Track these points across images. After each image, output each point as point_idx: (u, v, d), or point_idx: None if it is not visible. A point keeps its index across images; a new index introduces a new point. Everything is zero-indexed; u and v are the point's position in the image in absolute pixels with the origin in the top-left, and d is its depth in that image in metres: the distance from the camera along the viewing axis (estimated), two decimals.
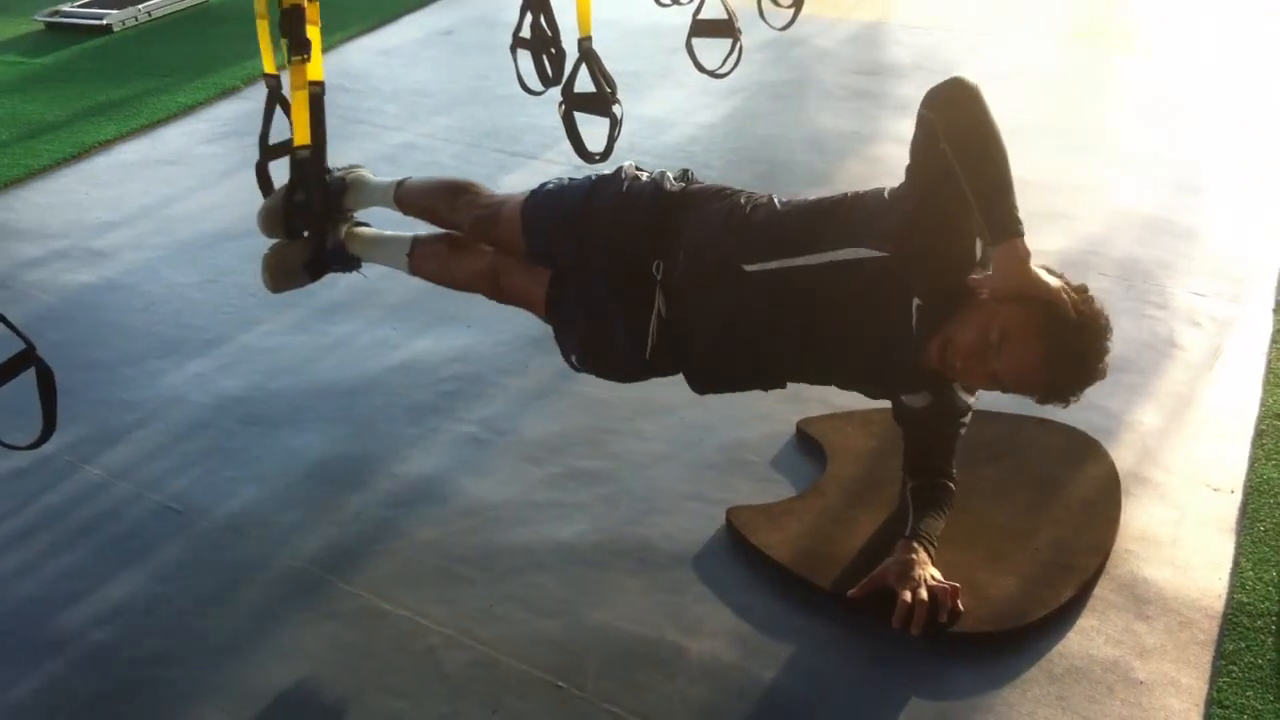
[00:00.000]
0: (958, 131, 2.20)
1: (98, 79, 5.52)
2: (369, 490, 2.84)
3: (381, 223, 3.08)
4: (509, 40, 3.64)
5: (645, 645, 2.39)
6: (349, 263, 3.03)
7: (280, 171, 2.98)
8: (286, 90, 2.88)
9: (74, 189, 4.48)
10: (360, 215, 3.09)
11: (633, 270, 2.50)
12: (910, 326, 2.26)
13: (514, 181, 4.35)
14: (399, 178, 3.03)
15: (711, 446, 2.95)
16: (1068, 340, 2.18)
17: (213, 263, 3.90)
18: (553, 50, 3.69)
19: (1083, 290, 2.26)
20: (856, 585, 2.42)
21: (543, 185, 2.73)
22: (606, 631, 2.42)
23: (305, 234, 2.99)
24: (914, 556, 2.41)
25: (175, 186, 4.48)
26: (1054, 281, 2.21)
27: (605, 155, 3.43)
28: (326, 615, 2.49)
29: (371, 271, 3.08)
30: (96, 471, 2.91)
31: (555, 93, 3.48)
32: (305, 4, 2.73)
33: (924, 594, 2.35)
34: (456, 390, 3.21)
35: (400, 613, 2.48)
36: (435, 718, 2.24)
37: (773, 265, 2.36)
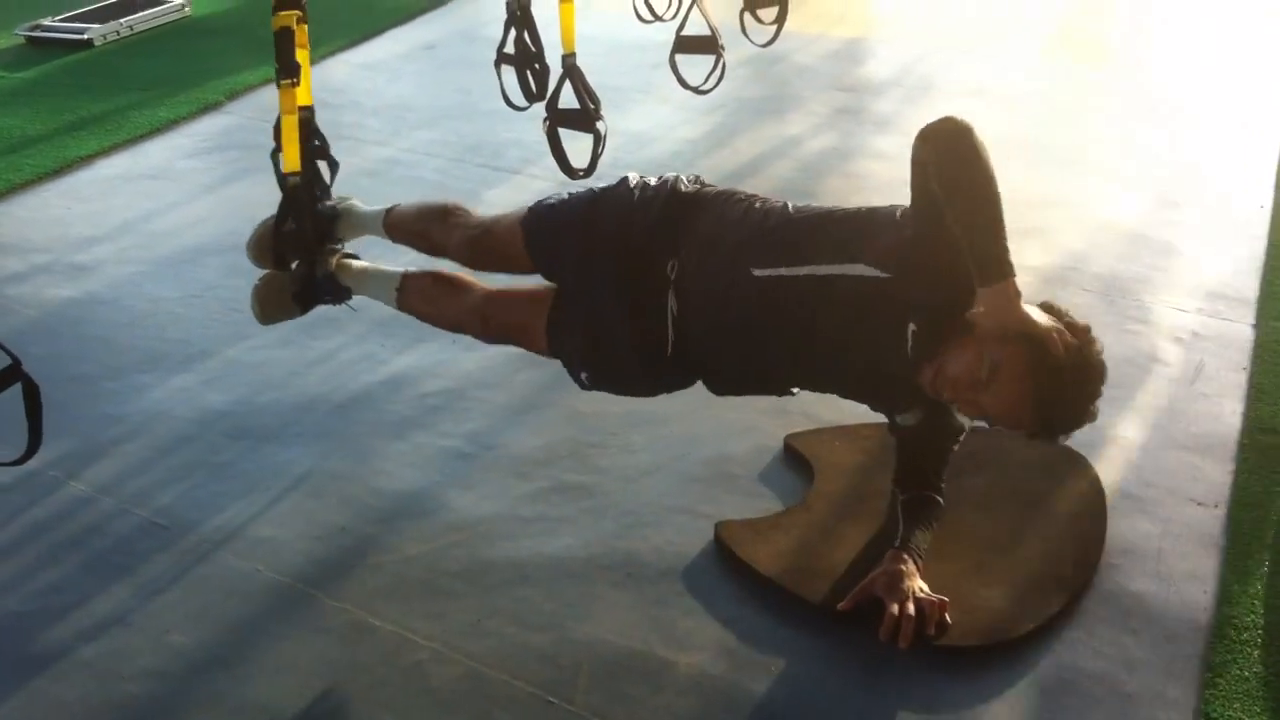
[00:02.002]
0: (947, 173, 2.19)
1: (79, 93, 5.50)
2: (355, 505, 2.84)
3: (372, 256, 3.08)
4: (493, 55, 3.65)
5: (633, 659, 2.39)
6: (339, 294, 2.95)
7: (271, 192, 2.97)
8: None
9: (56, 204, 4.46)
10: (350, 246, 3.06)
11: (646, 271, 2.50)
12: (905, 350, 2.27)
13: (497, 196, 4.36)
14: (388, 205, 3.02)
15: (698, 460, 2.96)
16: (1054, 383, 2.19)
17: (196, 277, 3.88)
18: (537, 66, 3.70)
19: (1084, 332, 2.27)
20: (845, 598, 2.43)
21: (541, 201, 2.73)
22: (595, 645, 2.42)
23: (295, 264, 2.90)
24: (903, 568, 2.42)
25: (158, 201, 4.47)
26: (1046, 321, 2.21)
27: (589, 171, 3.44)
28: (314, 630, 2.48)
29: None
30: (82, 487, 2.90)
31: (539, 108, 3.50)
32: (294, 27, 2.70)
33: (911, 607, 2.36)
34: (442, 405, 3.21)
35: (388, 628, 2.48)
36: None
37: (780, 271, 2.36)
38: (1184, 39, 5.98)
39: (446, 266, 2.93)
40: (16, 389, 1.93)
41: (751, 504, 2.80)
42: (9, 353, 1.91)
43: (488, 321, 2.75)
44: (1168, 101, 5.20)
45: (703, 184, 2.64)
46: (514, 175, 4.59)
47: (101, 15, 6.35)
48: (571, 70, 3.39)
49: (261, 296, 2.93)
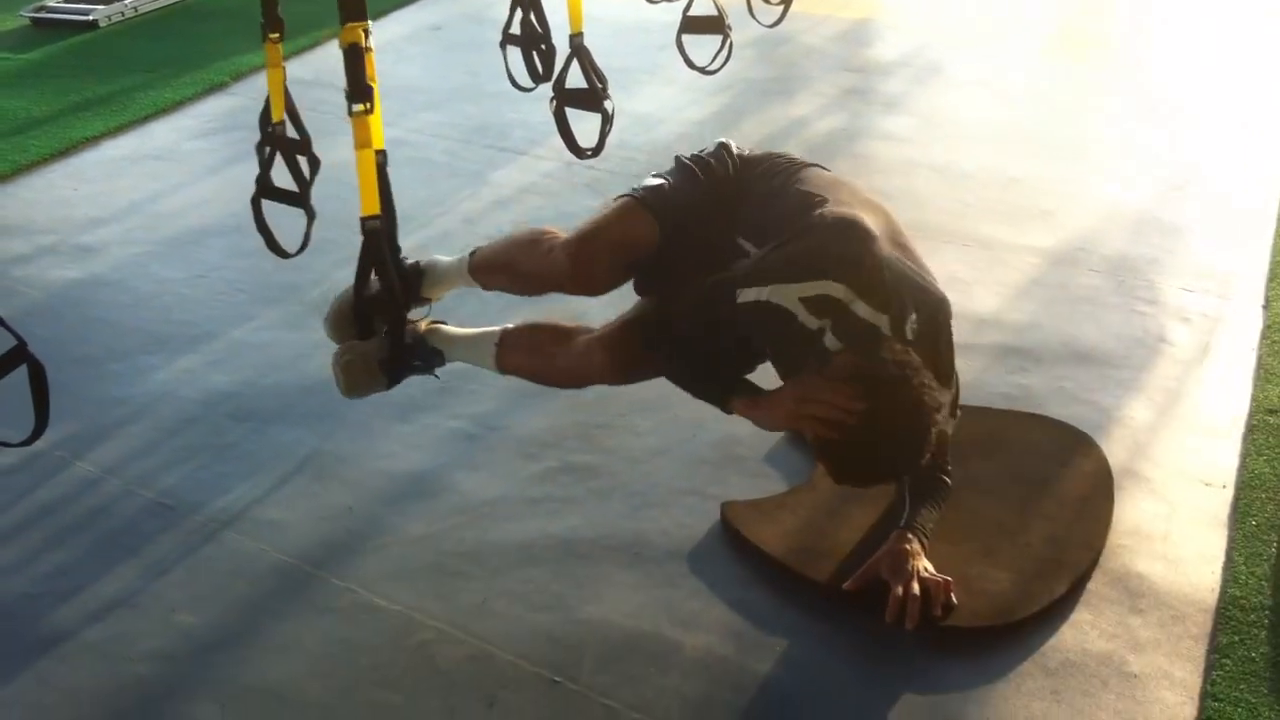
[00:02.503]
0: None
1: (84, 75, 5.49)
2: (361, 486, 2.84)
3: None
4: (498, 37, 3.64)
5: (640, 639, 2.39)
6: (431, 358, 2.74)
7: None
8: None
9: (61, 185, 4.46)
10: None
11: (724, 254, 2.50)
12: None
13: (503, 177, 4.37)
14: (468, 251, 2.83)
15: (705, 441, 2.95)
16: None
17: (201, 259, 3.88)
18: (543, 46, 3.69)
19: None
20: (851, 578, 2.42)
21: (638, 186, 2.61)
22: (601, 626, 2.42)
23: (382, 329, 2.67)
24: (907, 547, 2.42)
25: (163, 182, 4.46)
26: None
27: (597, 151, 3.42)
28: (320, 611, 2.48)
29: None
30: (88, 468, 2.90)
31: (545, 89, 3.48)
32: (364, 46, 2.46)
33: (917, 588, 2.35)
34: (448, 386, 3.19)
35: (394, 608, 2.48)
36: (430, 713, 2.24)
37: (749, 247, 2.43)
38: (1191, 30, 5.95)
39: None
40: (23, 370, 1.93)
41: (758, 484, 2.80)
42: (14, 334, 1.91)
43: (613, 352, 2.56)
44: (1175, 88, 5.18)
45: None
46: (520, 156, 4.58)
47: None
48: (579, 49, 3.37)
49: (348, 367, 2.68)
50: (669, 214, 2.54)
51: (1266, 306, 3.47)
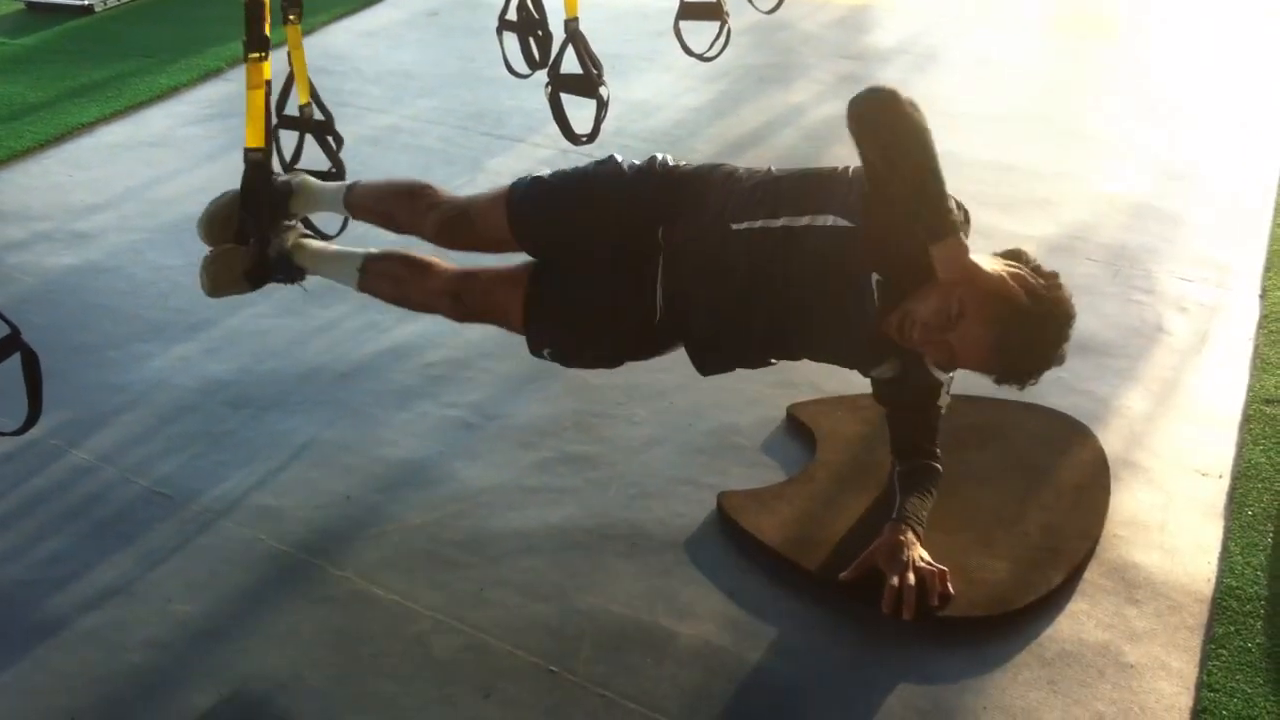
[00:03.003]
0: (878, 145, 2.20)
1: (80, 60, 5.48)
2: (358, 475, 2.83)
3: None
4: (495, 22, 3.63)
5: (637, 629, 2.39)
6: (293, 274, 2.88)
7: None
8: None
9: (56, 171, 4.45)
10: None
11: (638, 240, 2.51)
12: (872, 298, 2.29)
13: (499, 164, 4.35)
14: (348, 181, 2.97)
15: (702, 431, 2.95)
16: (1019, 324, 2.23)
17: (198, 246, 3.78)
18: (539, 32, 3.68)
19: (1051, 276, 2.30)
20: (847, 569, 2.42)
21: (521, 179, 2.68)
22: (598, 615, 2.42)
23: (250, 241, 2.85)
24: (902, 538, 2.42)
25: (159, 169, 4.45)
26: (1002, 269, 2.25)
27: (592, 137, 3.43)
28: (317, 600, 2.48)
29: None
30: (84, 456, 2.90)
31: (541, 76, 3.48)
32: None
33: (912, 578, 2.35)
34: (445, 374, 3.20)
35: (391, 597, 2.47)
36: (427, 702, 2.24)
37: (756, 224, 2.39)
38: (1192, 18, 5.96)
39: (401, 244, 2.89)
40: (17, 358, 1.93)
41: (755, 474, 2.79)
42: (8, 322, 1.91)
43: (460, 300, 2.69)
44: (1174, 76, 5.18)
45: (687, 162, 2.64)
46: (517, 143, 4.57)
47: None
48: (574, 35, 3.37)
49: (212, 270, 2.86)
50: (530, 211, 2.62)
51: (1263, 296, 3.47)
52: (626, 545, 2.61)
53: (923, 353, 2.37)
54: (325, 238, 3.04)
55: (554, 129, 3.41)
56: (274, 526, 2.67)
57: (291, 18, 3.03)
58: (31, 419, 2.00)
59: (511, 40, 3.62)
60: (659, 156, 2.61)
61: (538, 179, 2.66)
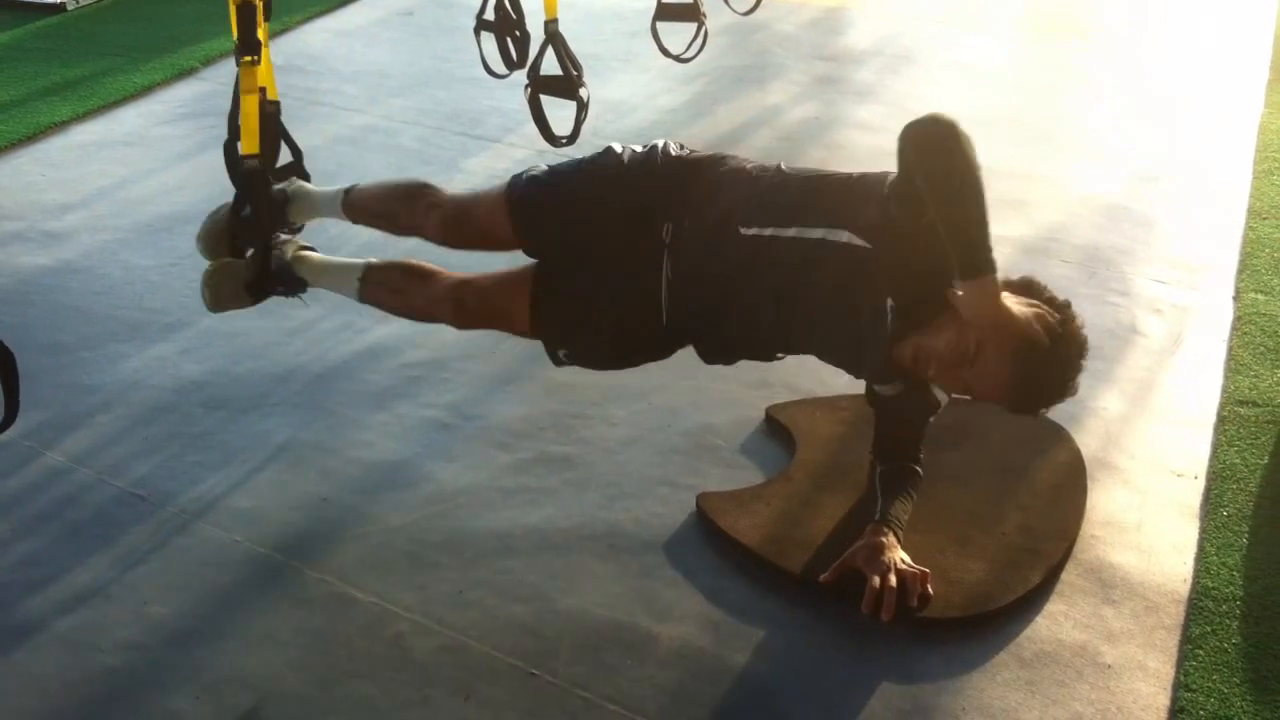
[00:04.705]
0: (930, 172, 2.18)
1: (52, 59, 5.43)
2: (335, 476, 2.82)
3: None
4: (471, 22, 3.62)
5: (616, 630, 2.39)
6: (294, 286, 2.86)
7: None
8: None
9: (28, 170, 4.41)
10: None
11: (641, 236, 2.49)
12: (885, 324, 2.28)
13: (476, 164, 4.34)
14: (345, 185, 2.94)
15: (680, 431, 2.95)
16: (1037, 363, 2.22)
17: (172, 246, 3.84)
18: (517, 33, 3.67)
19: (1065, 308, 2.30)
20: (827, 570, 2.43)
21: (520, 175, 2.67)
22: (577, 617, 2.42)
23: (249, 253, 2.83)
24: (883, 540, 2.42)
25: (132, 168, 4.42)
26: (1025, 311, 2.22)
27: (572, 139, 3.42)
28: (294, 602, 2.47)
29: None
30: (58, 457, 2.87)
31: (518, 76, 3.47)
32: (257, 1, 2.63)
33: (893, 579, 2.36)
34: (422, 375, 3.19)
35: (369, 599, 2.46)
36: (405, 704, 2.23)
37: (767, 231, 2.37)
38: (1169, 20, 5.99)
39: (402, 251, 2.88)
40: None
41: (733, 475, 2.80)
42: None
43: (463, 307, 2.69)
44: (1149, 79, 5.20)
45: (690, 149, 2.62)
46: (494, 144, 4.56)
47: None
48: (553, 36, 3.36)
49: (214, 284, 2.84)
50: (529, 208, 2.61)
51: (1237, 298, 3.49)
52: (605, 546, 2.61)
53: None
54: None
55: (531, 129, 3.40)
56: (251, 528, 2.65)
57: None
58: (9, 419, 1.98)
59: (489, 41, 3.61)
60: (660, 144, 2.60)
61: (538, 176, 2.65)
